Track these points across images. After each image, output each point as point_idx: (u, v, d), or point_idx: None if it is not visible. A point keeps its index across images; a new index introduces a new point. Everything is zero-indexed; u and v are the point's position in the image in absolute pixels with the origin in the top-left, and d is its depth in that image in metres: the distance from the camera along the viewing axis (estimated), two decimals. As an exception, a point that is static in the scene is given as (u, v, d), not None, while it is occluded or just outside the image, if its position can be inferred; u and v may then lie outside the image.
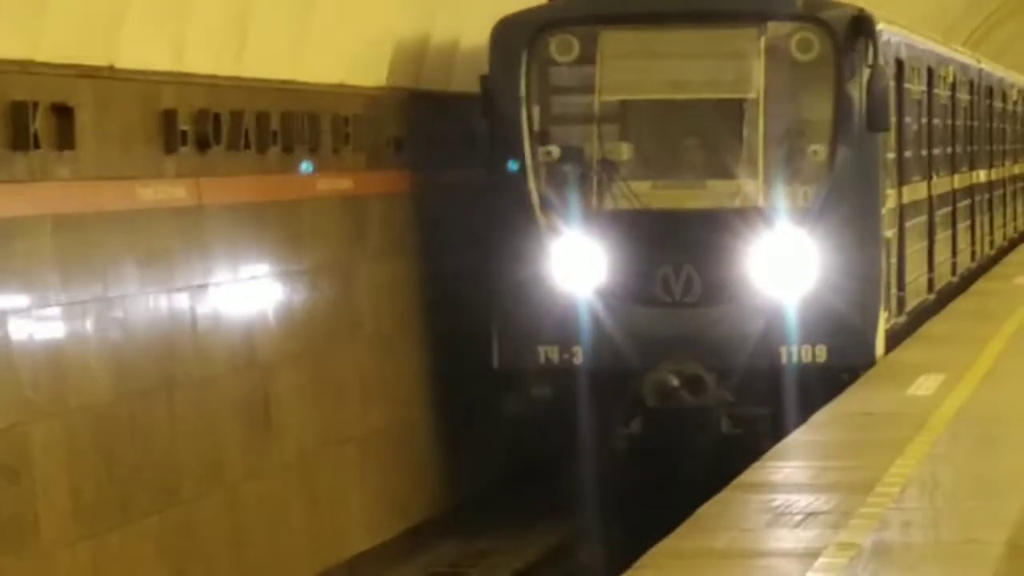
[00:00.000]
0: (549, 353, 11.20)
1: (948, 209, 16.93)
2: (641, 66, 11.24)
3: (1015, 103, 25.62)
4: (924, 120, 15.19)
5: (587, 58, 11.26)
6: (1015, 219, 25.49)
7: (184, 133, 8.56)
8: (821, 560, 5.38)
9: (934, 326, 13.75)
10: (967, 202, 18.53)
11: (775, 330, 10.85)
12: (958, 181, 17.83)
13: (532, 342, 11.21)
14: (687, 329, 10.94)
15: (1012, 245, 24.28)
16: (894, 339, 11.90)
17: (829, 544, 5.65)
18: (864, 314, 11.03)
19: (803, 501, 6.59)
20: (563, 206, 11.30)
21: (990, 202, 21.33)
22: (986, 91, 21.10)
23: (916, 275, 14.14)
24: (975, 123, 19.39)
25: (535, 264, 11.19)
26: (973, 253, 19.15)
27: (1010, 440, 8.19)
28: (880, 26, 11.17)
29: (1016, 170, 25.33)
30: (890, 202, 12.15)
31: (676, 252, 10.91)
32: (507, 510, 12.35)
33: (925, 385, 10.14)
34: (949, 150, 17.24)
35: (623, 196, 11.17)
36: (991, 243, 21.62)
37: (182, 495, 8.50)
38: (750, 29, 10.97)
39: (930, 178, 15.42)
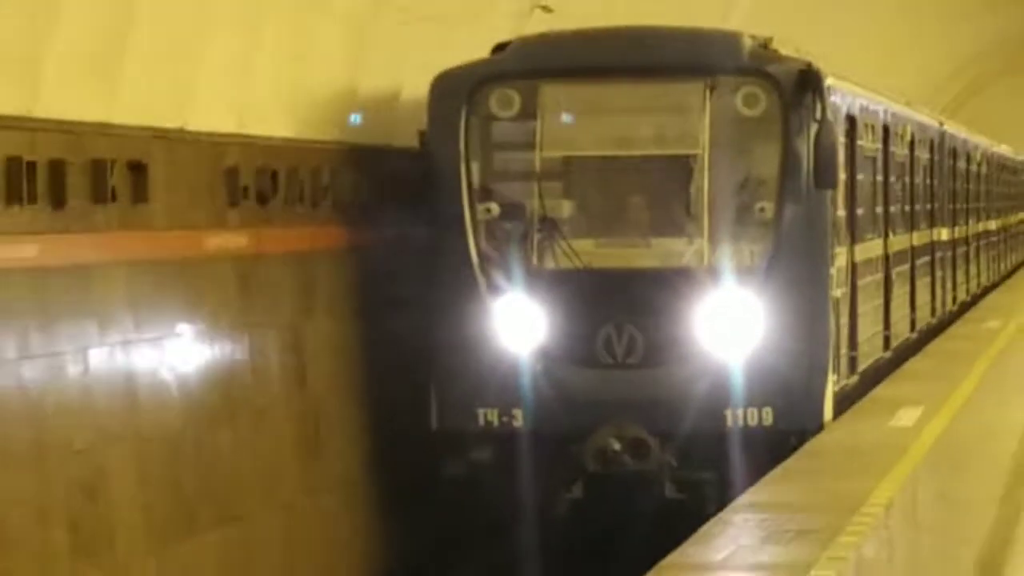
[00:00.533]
0: (489, 415, 10.85)
1: (906, 266, 16.74)
2: (583, 121, 10.99)
3: (979, 164, 25.78)
4: (879, 178, 15.00)
5: (528, 113, 10.96)
6: (978, 275, 25.44)
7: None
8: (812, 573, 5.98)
9: (913, 364, 14.98)
10: (926, 259, 18.37)
11: (720, 392, 10.51)
12: (917, 239, 17.66)
13: (471, 404, 10.86)
14: (630, 391, 10.60)
15: (974, 300, 24.50)
16: (845, 401, 11.57)
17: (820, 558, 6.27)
18: (811, 376, 10.69)
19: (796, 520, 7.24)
20: (503, 265, 11.00)
21: (953, 259, 21.16)
22: (949, 151, 21.10)
23: (870, 333, 13.84)
24: (935, 182, 19.24)
25: (475, 324, 10.86)
26: (934, 309, 19.01)
27: (982, 465, 9.41)
28: (829, 81, 10.94)
29: (979, 228, 25.33)
30: (840, 260, 11.89)
31: (618, 312, 10.59)
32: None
33: (906, 416, 10.90)
34: (907, 208, 17.05)
35: (564, 255, 10.87)
36: (953, 299, 21.56)
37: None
38: (695, 83, 10.67)
39: (886, 236, 15.24)
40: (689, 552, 6.54)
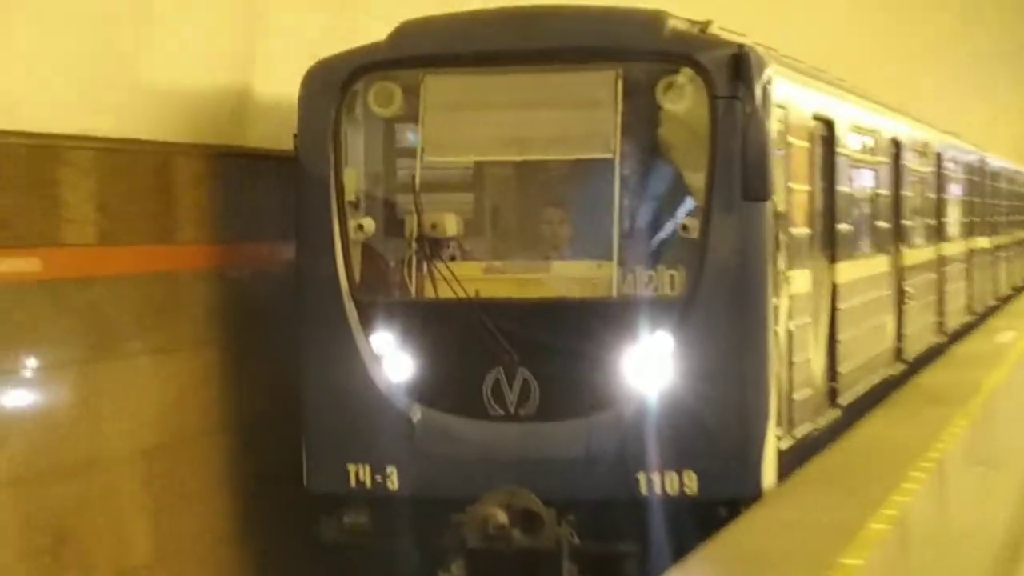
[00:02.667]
0: (360, 474, 8.97)
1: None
2: (472, 119, 8.98)
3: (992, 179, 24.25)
4: (883, 190, 13.27)
5: (411, 110, 9.05)
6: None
7: None
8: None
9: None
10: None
11: (631, 452, 8.46)
12: (947, 249, 16.43)
13: (342, 460, 9.00)
14: (522, 450, 8.62)
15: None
16: (795, 459, 9.36)
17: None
18: (744, 432, 8.57)
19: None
20: (377, 294, 9.10)
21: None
22: (966, 167, 19.31)
23: (864, 358, 11.95)
24: (933, 195, 17.19)
25: (345, 364, 8.97)
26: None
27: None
28: (771, 69, 8.85)
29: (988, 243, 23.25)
30: (800, 286, 9.80)
31: (509, 353, 8.61)
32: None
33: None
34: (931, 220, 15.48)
35: (446, 283, 8.90)
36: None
37: None
38: (604, 71, 8.63)
39: (897, 250, 13.82)
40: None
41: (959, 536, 9.63)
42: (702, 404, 8.44)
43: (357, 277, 9.07)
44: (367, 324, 8.94)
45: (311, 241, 9.10)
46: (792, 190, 9.72)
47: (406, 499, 8.86)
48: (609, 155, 8.57)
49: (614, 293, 8.62)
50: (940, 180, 17.95)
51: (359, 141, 9.31)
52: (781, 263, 9.18)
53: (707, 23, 9.11)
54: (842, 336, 11.22)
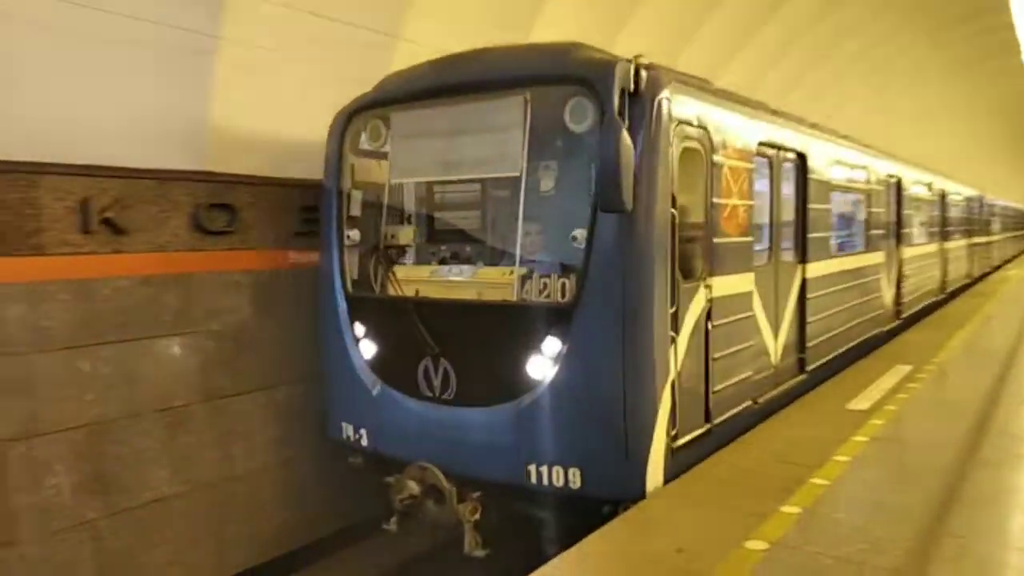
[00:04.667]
0: (349, 431, 10.75)
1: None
2: (420, 146, 10.13)
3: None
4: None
5: (388, 141, 10.55)
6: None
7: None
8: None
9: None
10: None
11: (524, 444, 9.27)
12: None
13: (340, 419, 10.84)
14: (441, 429, 9.84)
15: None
16: (686, 461, 9.62)
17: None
18: (627, 433, 8.94)
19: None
20: (358, 291, 10.65)
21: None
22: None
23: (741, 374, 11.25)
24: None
25: (340, 345, 10.71)
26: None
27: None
28: (670, 88, 9.23)
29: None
30: (723, 289, 10.11)
31: (432, 346, 9.83)
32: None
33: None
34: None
35: (394, 284, 10.30)
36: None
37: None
38: (515, 97, 9.43)
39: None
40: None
41: None
42: (587, 404, 9.01)
43: (349, 277, 10.64)
44: (353, 314, 10.51)
45: (325, 248, 10.90)
46: (719, 205, 10.08)
47: (373, 454, 10.43)
48: (516, 173, 9.38)
49: (515, 298, 9.53)
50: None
51: (355, 168, 10.90)
52: (697, 270, 9.62)
53: (637, 56, 9.23)
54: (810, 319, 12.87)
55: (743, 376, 10.95)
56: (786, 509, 8.31)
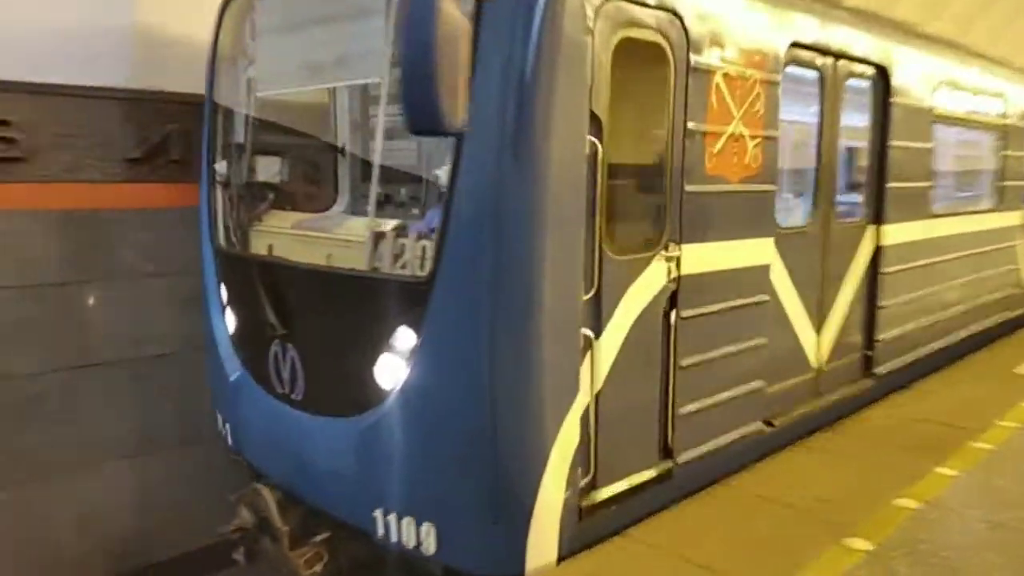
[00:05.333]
0: (219, 421, 8.25)
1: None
2: (284, 44, 7.37)
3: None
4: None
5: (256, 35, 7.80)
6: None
7: None
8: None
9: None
10: None
11: (370, 480, 6.42)
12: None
13: (214, 404, 8.37)
14: (288, 440, 7.16)
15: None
16: (613, 523, 6.62)
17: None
18: (503, 477, 5.90)
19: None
20: (221, 242, 8.06)
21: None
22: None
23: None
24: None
25: (207, 312, 8.20)
26: None
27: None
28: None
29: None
30: (695, 264, 7.06)
31: (277, 327, 7.17)
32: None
33: None
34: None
35: (246, 237, 7.66)
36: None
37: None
38: None
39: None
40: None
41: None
42: (442, 432, 6.04)
43: (221, 223, 8.11)
44: (219, 272, 8.03)
45: (200, 183, 8.35)
46: (698, 133, 6.99)
47: (233, 456, 7.95)
48: (378, 79, 6.46)
49: (366, 266, 6.62)
50: None
51: (226, 72, 8.22)
52: (648, 234, 6.67)
53: None
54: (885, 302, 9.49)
55: (745, 389, 7.80)
56: (941, 470, 7.89)
